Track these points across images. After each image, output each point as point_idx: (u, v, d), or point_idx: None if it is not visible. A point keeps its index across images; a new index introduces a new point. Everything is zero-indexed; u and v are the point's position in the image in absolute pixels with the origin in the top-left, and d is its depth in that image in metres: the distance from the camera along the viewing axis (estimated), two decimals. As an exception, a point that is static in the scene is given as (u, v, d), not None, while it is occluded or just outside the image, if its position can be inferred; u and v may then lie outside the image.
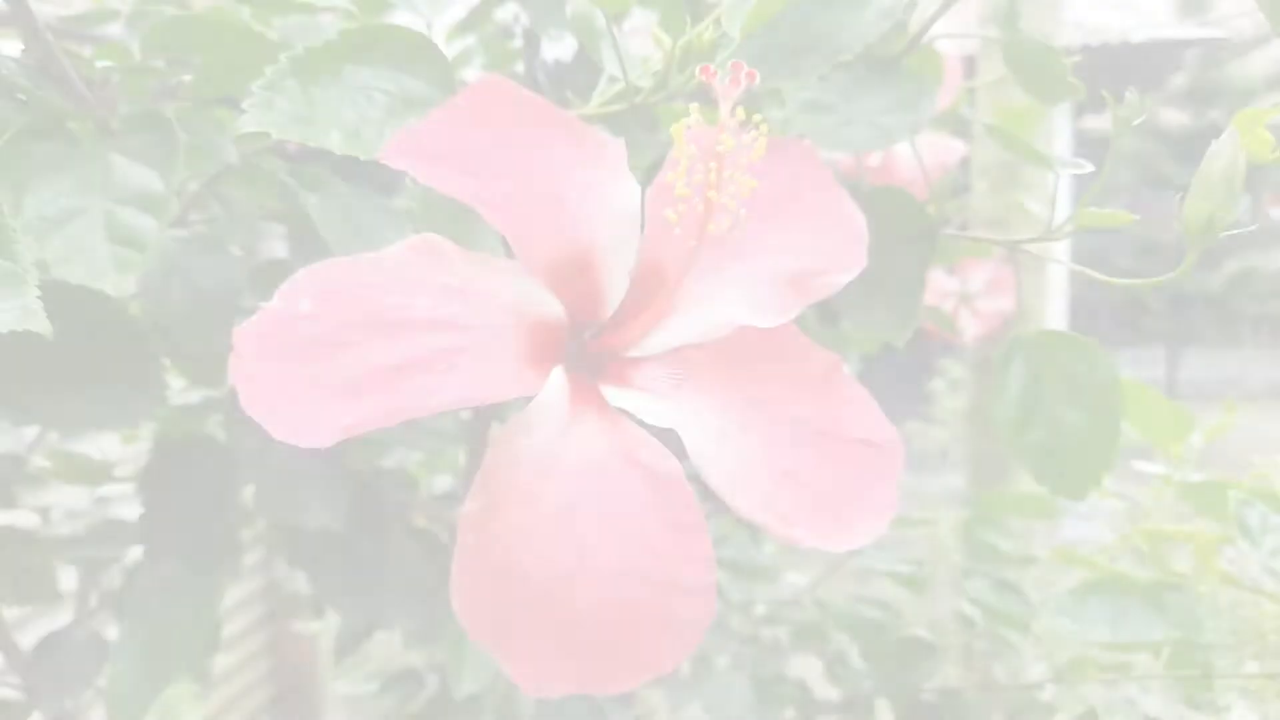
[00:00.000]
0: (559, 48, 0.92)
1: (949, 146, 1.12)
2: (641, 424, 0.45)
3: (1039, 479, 0.60)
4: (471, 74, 1.35)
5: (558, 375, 0.44)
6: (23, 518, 1.25)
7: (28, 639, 1.12)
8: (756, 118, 0.41)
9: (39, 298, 0.47)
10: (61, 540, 1.12)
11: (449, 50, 1.30)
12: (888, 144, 0.61)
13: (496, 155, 0.45)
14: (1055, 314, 2.74)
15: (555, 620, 0.41)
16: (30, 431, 1.23)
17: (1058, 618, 0.93)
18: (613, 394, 0.46)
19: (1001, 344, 0.61)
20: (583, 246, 0.47)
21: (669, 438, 0.45)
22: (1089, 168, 0.59)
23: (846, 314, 0.64)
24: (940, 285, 1.66)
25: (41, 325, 0.45)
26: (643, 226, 0.48)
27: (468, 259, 0.43)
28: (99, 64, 0.61)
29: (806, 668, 1.36)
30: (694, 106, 0.41)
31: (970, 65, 1.57)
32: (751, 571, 1.07)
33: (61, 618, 1.16)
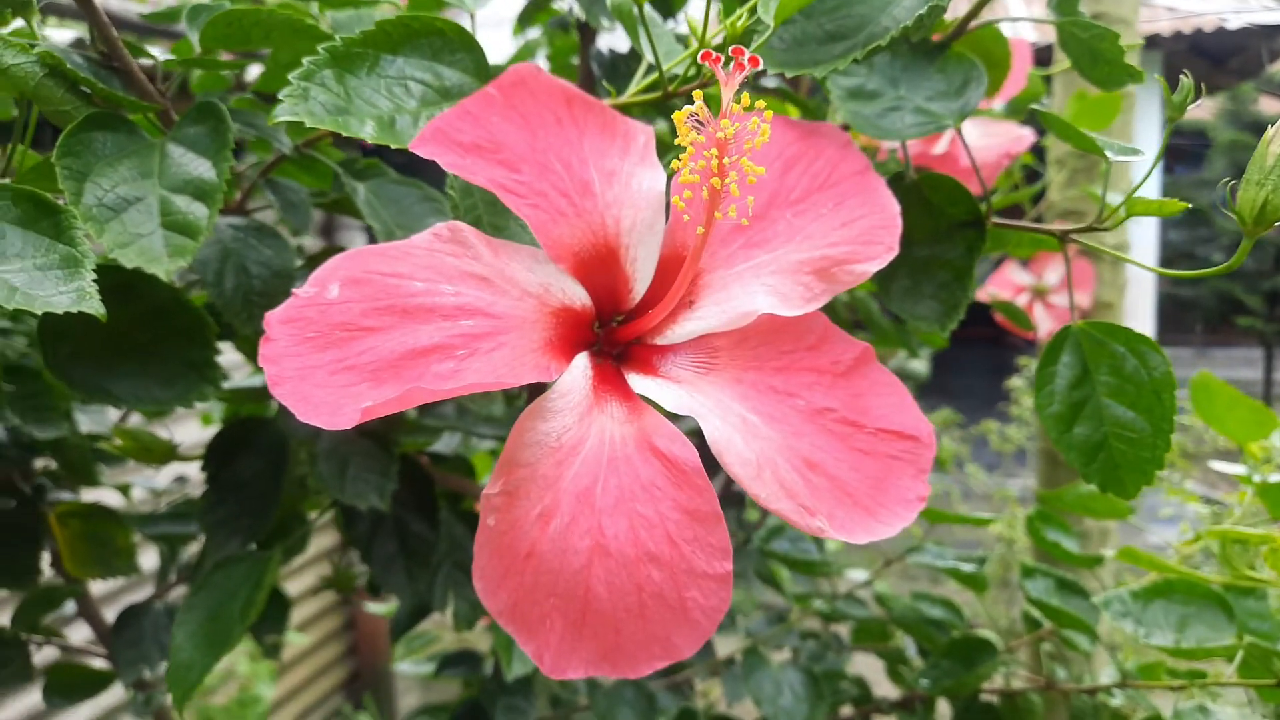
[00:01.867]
0: (615, 39, 0.93)
1: (1018, 135, 1.09)
2: (664, 411, 0.45)
3: (1086, 476, 0.59)
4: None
5: (581, 361, 0.45)
6: (108, 496, 1.32)
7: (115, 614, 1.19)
8: (760, 104, 0.41)
9: (95, 281, 0.49)
10: (143, 518, 1.17)
11: (515, 43, 1.32)
12: (933, 131, 0.60)
13: (523, 143, 0.46)
14: (1142, 311, 2.64)
15: (571, 602, 0.42)
16: (114, 413, 1.29)
17: (1119, 620, 0.90)
18: (637, 381, 0.46)
19: (1051, 335, 0.59)
20: (608, 233, 0.47)
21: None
22: (1142, 154, 0.57)
23: (891, 304, 0.63)
24: (1014, 280, 1.62)
25: (95, 307, 0.48)
26: (668, 214, 0.48)
27: (493, 247, 0.44)
28: (162, 58, 0.63)
29: (870, 666, 1.34)
30: (697, 93, 0.41)
31: (1050, 54, 1.53)
32: (807, 565, 1.06)
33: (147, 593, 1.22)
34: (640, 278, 0.48)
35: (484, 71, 0.52)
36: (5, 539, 0.97)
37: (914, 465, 0.47)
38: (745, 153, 0.41)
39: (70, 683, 1.27)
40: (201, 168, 0.56)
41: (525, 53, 1.33)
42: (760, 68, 0.41)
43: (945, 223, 0.64)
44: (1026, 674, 1.13)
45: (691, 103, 0.41)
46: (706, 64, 0.42)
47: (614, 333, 0.48)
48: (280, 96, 0.46)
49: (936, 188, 0.63)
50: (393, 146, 0.46)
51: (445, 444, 0.91)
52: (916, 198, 0.64)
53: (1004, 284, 1.60)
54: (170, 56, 0.66)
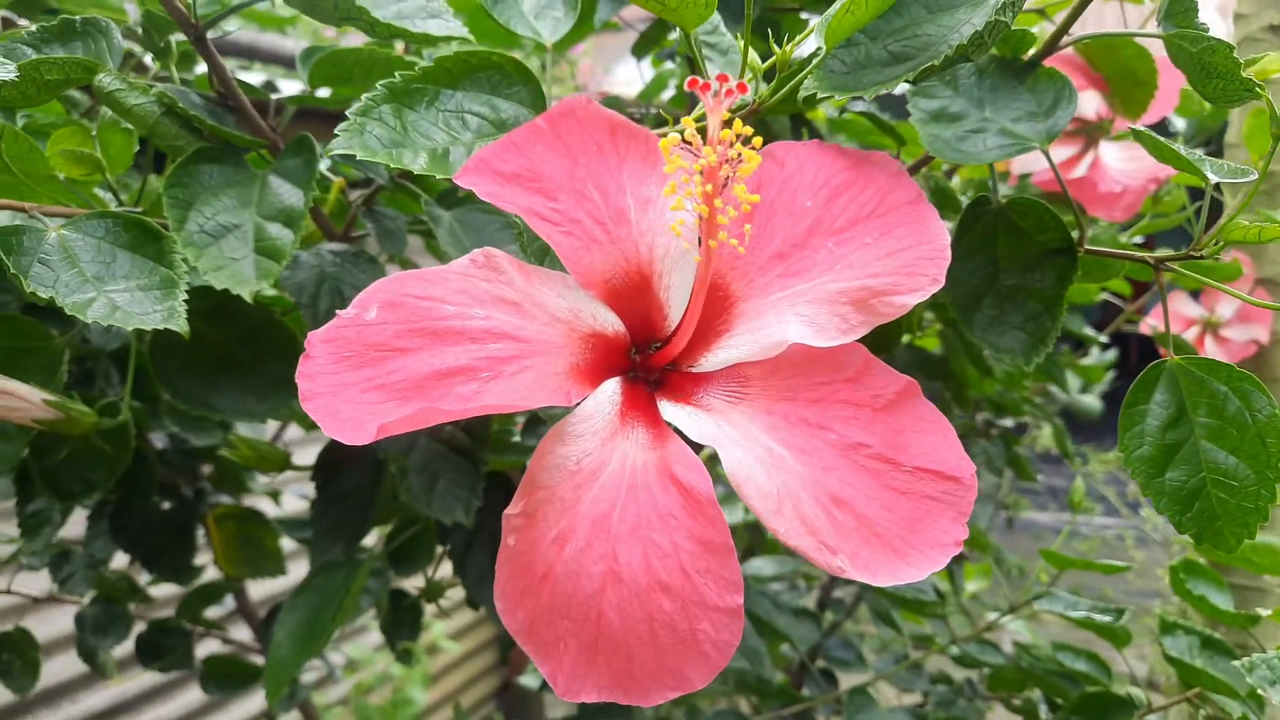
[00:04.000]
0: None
1: (1165, 157, 1.02)
2: (689, 440, 0.45)
3: (1180, 526, 0.54)
4: (668, 95, 1.38)
5: (609, 387, 0.45)
6: (264, 503, 1.42)
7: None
8: (747, 130, 0.40)
9: (186, 302, 0.54)
10: (291, 523, 1.26)
11: (650, 74, 1.34)
12: (1017, 153, 0.57)
13: (563, 172, 0.47)
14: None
15: (585, 627, 0.42)
16: (274, 427, 1.39)
17: (1267, 687, 0.81)
18: (667, 408, 0.46)
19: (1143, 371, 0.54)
20: (641, 260, 0.47)
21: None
22: (1252, 176, 0.52)
23: (974, 334, 0.60)
24: (1183, 312, 1.50)
25: (180, 325, 0.52)
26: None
27: (525, 272, 0.45)
28: (274, 96, 0.69)
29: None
30: (686, 119, 0.41)
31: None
32: (918, 605, 1.01)
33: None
34: (675, 305, 0.48)
35: (540, 103, 0.54)
36: (164, 537, 1.06)
37: (953, 508, 0.44)
38: (737, 179, 0.40)
39: (224, 674, 1.37)
40: (294, 197, 0.60)
41: (658, 84, 1.35)
42: (748, 93, 0.40)
43: (1035, 250, 0.60)
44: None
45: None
46: (695, 90, 0.41)
47: (649, 359, 0.48)
48: (336, 131, 0.49)
49: (1025, 213, 0.60)
50: (438, 176, 0.48)
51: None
52: (1004, 224, 0.61)
53: (1173, 316, 1.49)
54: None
